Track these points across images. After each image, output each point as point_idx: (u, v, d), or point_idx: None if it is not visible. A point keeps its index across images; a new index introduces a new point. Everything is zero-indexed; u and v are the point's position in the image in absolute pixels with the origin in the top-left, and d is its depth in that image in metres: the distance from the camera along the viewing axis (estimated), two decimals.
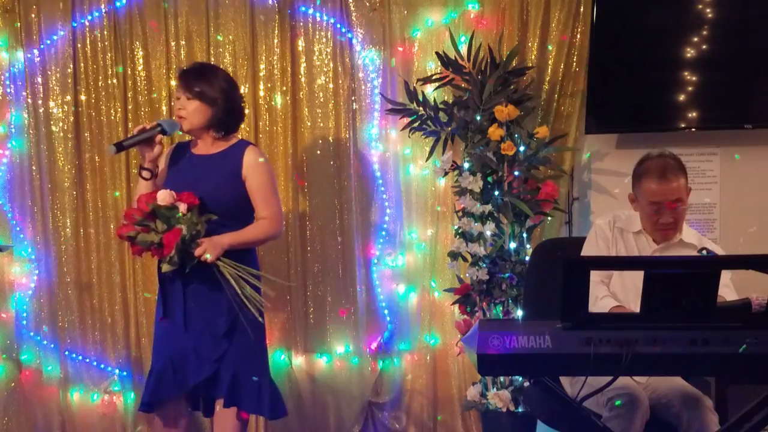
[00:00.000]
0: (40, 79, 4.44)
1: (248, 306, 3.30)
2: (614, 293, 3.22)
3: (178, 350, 3.32)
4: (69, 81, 4.44)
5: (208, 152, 3.42)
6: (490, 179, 4.17)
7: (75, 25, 4.43)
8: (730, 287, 3.05)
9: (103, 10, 4.42)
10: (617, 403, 2.87)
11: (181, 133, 3.52)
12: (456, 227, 4.20)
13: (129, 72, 4.43)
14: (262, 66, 4.44)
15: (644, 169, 3.22)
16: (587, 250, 3.32)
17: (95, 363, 4.49)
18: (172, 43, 4.43)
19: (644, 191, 3.20)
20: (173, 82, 4.30)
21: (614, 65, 4.24)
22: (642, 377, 3.06)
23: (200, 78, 3.38)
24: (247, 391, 3.34)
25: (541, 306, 3.39)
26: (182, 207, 3.21)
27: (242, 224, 3.37)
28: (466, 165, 4.15)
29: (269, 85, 4.45)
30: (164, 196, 3.21)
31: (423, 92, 4.31)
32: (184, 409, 3.46)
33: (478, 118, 4.15)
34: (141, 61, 4.44)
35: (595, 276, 3.13)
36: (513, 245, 4.14)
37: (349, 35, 4.43)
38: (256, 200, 3.38)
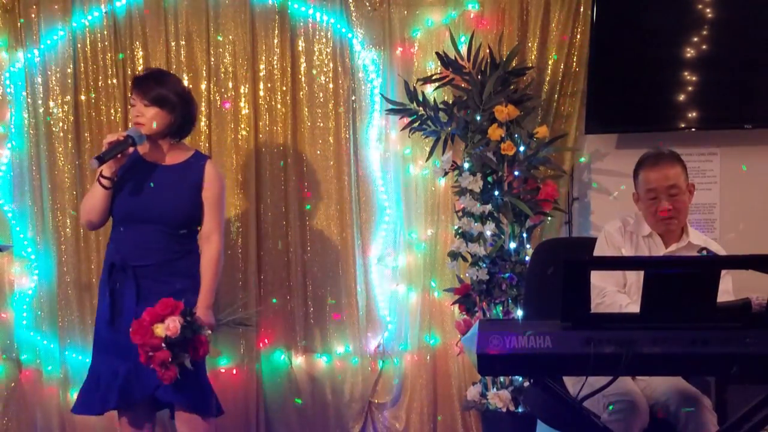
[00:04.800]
0: (40, 79, 4.43)
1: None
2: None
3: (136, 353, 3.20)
4: (69, 81, 4.43)
5: (166, 162, 3.44)
6: (490, 179, 4.17)
7: (75, 25, 4.42)
8: (729, 293, 3.04)
9: (103, 10, 4.41)
10: (610, 407, 2.87)
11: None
12: (456, 227, 4.20)
13: (129, 72, 4.42)
14: (262, 66, 4.44)
15: (640, 161, 3.28)
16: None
17: None
18: (172, 43, 4.42)
19: (641, 182, 3.23)
20: None
21: (614, 65, 4.24)
22: (642, 377, 3.06)
23: (157, 84, 3.39)
24: (203, 395, 3.36)
25: (541, 306, 3.38)
26: (180, 320, 3.13)
27: (190, 232, 3.44)
28: (466, 165, 4.15)
29: (269, 85, 4.45)
30: (174, 329, 3.09)
31: (423, 92, 4.31)
32: (150, 412, 3.43)
33: (478, 118, 4.15)
34: (141, 61, 4.43)
35: (610, 286, 3.14)
36: (513, 245, 4.14)
37: (349, 35, 4.43)
38: (207, 211, 3.43)
